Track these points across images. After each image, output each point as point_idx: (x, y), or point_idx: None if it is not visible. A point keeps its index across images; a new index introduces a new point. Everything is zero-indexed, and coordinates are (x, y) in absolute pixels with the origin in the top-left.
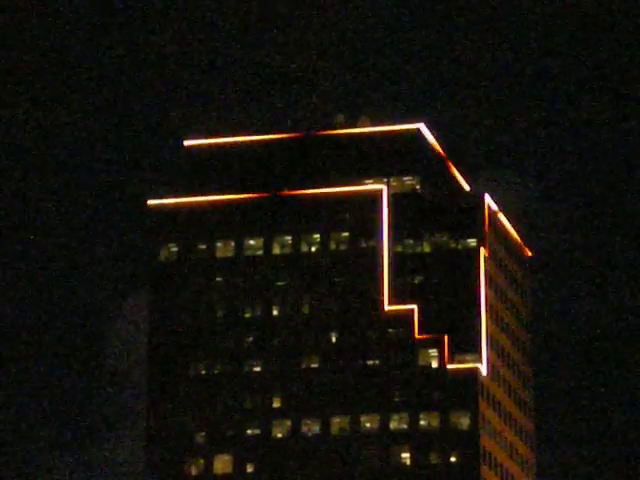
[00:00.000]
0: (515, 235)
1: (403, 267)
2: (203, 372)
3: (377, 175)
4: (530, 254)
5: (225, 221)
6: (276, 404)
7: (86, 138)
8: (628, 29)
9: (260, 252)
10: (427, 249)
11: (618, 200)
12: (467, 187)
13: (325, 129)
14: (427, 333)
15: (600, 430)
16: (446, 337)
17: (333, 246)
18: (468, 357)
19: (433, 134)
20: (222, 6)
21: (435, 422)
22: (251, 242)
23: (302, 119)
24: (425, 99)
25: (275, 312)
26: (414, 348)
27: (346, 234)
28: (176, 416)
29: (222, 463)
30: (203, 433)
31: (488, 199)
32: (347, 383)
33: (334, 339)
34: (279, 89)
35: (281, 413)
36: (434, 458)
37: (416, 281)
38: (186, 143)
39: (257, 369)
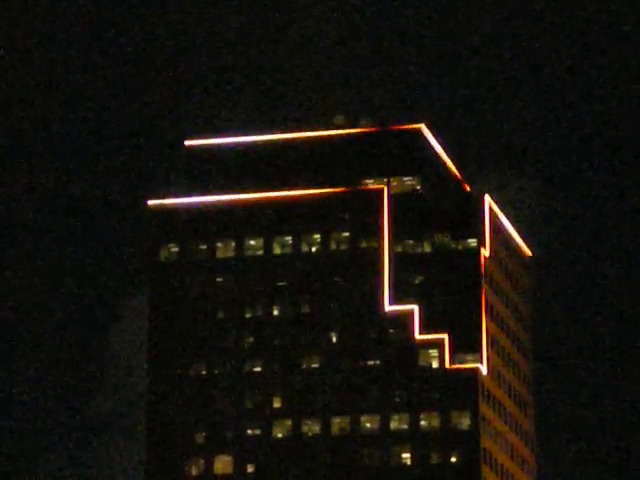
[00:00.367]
0: (516, 235)
1: (404, 267)
2: (203, 372)
3: (378, 175)
4: (531, 254)
5: (225, 221)
6: (276, 404)
7: (86, 138)
8: (628, 29)
9: (260, 252)
10: (428, 249)
11: (619, 201)
12: (468, 187)
13: (326, 129)
14: (428, 333)
15: (600, 430)
16: (447, 337)
17: (333, 246)
18: (468, 357)
19: (434, 134)
20: (223, 6)
21: (435, 422)
22: (251, 242)
23: (302, 119)
24: (426, 99)
25: (275, 312)
26: (415, 348)
27: (346, 234)
28: (176, 416)
29: (222, 463)
30: (203, 433)
31: (489, 199)
32: (347, 383)
33: (334, 339)
34: (279, 89)
35: (281, 413)
36: (434, 458)
37: (417, 281)
38: (187, 143)
39: (257, 369)
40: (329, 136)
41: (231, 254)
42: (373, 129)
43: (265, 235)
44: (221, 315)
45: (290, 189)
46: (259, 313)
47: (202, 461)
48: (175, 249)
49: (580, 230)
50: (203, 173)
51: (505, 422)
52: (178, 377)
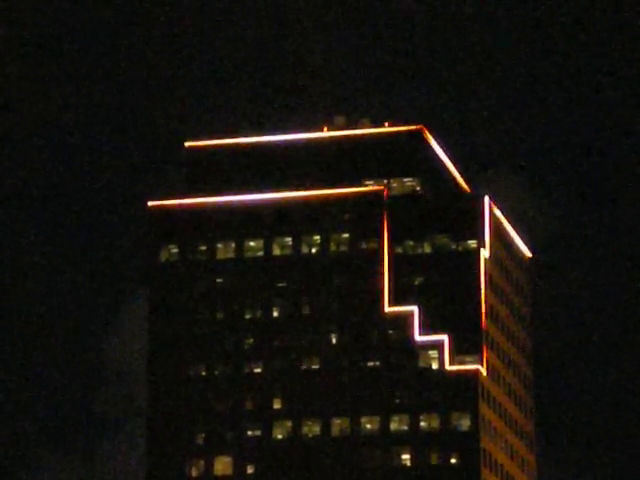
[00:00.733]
0: (515, 236)
1: (403, 268)
2: (203, 373)
3: (377, 176)
4: (530, 256)
5: (225, 222)
6: (276, 405)
7: (87, 139)
8: (628, 29)
9: (260, 253)
10: (427, 250)
11: (619, 201)
12: (467, 189)
13: (326, 130)
14: (427, 334)
15: (600, 431)
16: (446, 338)
17: (333, 247)
18: (468, 358)
19: (434, 136)
20: (223, 7)
21: (435, 423)
22: (251, 243)
23: (302, 120)
24: (426, 100)
25: (275, 313)
26: (414, 349)
27: (346, 235)
28: (176, 417)
29: (222, 464)
30: (203, 434)
31: (488, 201)
32: (347, 384)
33: (334, 340)
34: (280, 90)
35: (281, 414)
36: (434, 459)
37: (416, 282)
38: (187, 144)
39: (257, 370)
40: (329, 137)
41: (231, 255)
42: (373, 130)
43: (265, 236)
44: (221, 316)
45: (290, 190)
46: (259, 314)
47: (202, 462)
48: (175, 250)
49: (580, 231)
50: (203, 174)
51: (505, 423)
52: (178, 378)
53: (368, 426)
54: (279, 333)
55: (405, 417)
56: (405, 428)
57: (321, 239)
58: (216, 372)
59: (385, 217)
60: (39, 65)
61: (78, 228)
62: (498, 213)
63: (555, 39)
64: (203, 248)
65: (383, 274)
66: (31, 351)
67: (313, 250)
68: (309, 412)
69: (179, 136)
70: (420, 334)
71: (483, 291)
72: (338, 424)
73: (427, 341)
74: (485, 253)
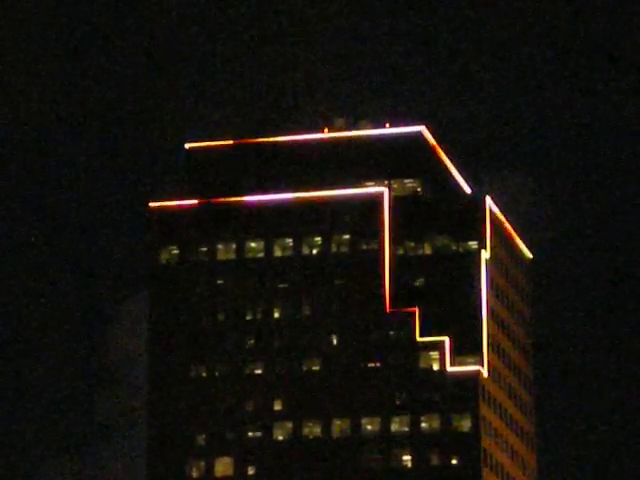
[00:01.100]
0: (516, 237)
1: (404, 269)
2: (204, 374)
3: (378, 177)
4: (531, 256)
5: (226, 223)
6: (277, 406)
7: (87, 140)
8: (628, 29)
9: (261, 254)
10: (428, 251)
11: (620, 202)
12: (468, 189)
13: (326, 131)
14: (428, 335)
15: (601, 432)
16: (447, 339)
17: (334, 248)
18: (469, 359)
19: (434, 136)
20: (223, 8)
21: (436, 424)
22: (252, 244)
23: (303, 122)
24: (426, 101)
25: (276, 314)
26: (415, 350)
27: (347, 236)
28: (177, 418)
29: (223, 465)
30: (204, 435)
31: (489, 201)
32: (348, 385)
33: (335, 341)
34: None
35: (282, 415)
36: (435, 460)
37: (417, 283)
38: (187, 145)
39: (258, 371)
40: (330, 138)
41: (232, 256)
42: (374, 131)
43: (266, 237)
44: (222, 317)
45: (291, 191)
46: (260, 315)
47: (203, 463)
48: (176, 251)
49: (580, 232)
50: (204, 175)
51: (506, 424)
52: (179, 379)
53: (369, 427)
54: (280, 334)
55: (406, 418)
56: (406, 429)
57: (322, 240)
58: (217, 373)
59: (386, 218)
60: (40, 65)
61: (78, 229)
62: (499, 214)
63: (557, 39)
64: (204, 249)
65: (384, 275)
66: (31, 352)
67: (314, 251)
68: (310, 413)
69: (179, 137)
70: (421, 335)
71: (484, 292)
72: (339, 425)
73: (428, 342)
74: (486, 254)
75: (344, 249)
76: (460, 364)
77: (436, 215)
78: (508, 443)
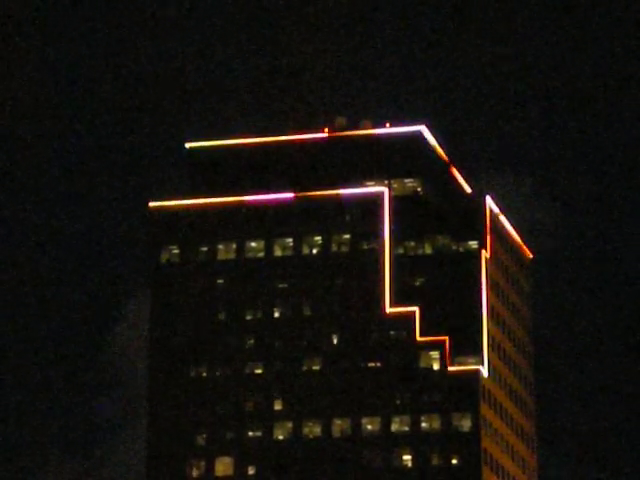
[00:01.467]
0: (516, 237)
1: (404, 269)
2: (204, 374)
3: (378, 177)
4: (531, 256)
5: (226, 223)
6: (277, 406)
7: (88, 140)
8: (628, 29)
9: (261, 254)
10: (428, 251)
11: (619, 202)
12: (468, 189)
13: (326, 131)
14: (428, 335)
15: (601, 432)
16: (447, 339)
17: (334, 248)
18: (469, 359)
19: (435, 136)
20: (223, 8)
21: (436, 424)
22: (252, 244)
23: (303, 121)
24: (427, 101)
25: (276, 314)
26: (415, 350)
27: (347, 236)
28: (177, 418)
29: (223, 465)
30: (204, 435)
31: (489, 201)
32: (348, 385)
33: (335, 341)
34: (280, 91)
35: (282, 415)
36: (435, 460)
37: (417, 283)
38: (188, 145)
39: (258, 371)
40: (330, 138)
41: (232, 256)
42: (374, 131)
43: (266, 237)
44: (222, 317)
45: (291, 191)
46: (260, 315)
47: (203, 463)
48: (176, 251)
49: (580, 232)
50: (204, 175)
51: (506, 423)
52: (179, 379)
53: (369, 427)
54: (280, 334)
55: (406, 418)
56: (406, 429)
57: (322, 240)
58: (217, 373)
59: (386, 218)
60: (40, 65)
61: (79, 229)
62: (499, 214)
63: (557, 39)
64: (204, 249)
65: (384, 275)
66: (32, 352)
67: (314, 251)
68: (310, 413)
69: (180, 137)
70: (421, 335)
71: (484, 292)
72: (339, 425)
73: (428, 342)
74: (486, 254)
75: (344, 249)
76: (460, 364)
77: (436, 215)
78: (508, 443)
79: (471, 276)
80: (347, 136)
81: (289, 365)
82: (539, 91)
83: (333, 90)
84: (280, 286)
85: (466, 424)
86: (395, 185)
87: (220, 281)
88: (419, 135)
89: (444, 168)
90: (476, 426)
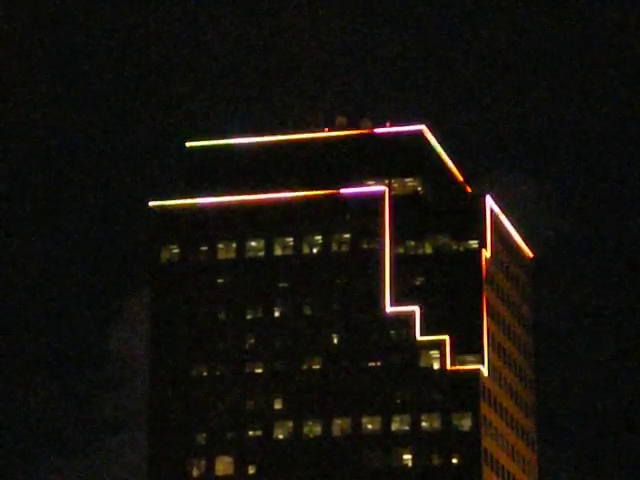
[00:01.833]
0: (517, 237)
1: (405, 269)
2: (204, 373)
3: (379, 176)
4: (532, 256)
5: (226, 222)
6: (277, 405)
7: (88, 139)
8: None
9: (261, 254)
10: (429, 251)
11: (621, 200)
12: (469, 189)
13: (327, 130)
14: (429, 335)
15: (601, 431)
16: (448, 338)
17: (334, 248)
18: (470, 358)
19: (435, 136)
20: (223, 8)
21: (437, 423)
22: (252, 243)
23: (303, 120)
24: (427, 100)
25: (277, 313)
26: (416, 350)
27: (347, 236)
28: (177, 417)
29: (223, 464)
30: (204, 434)
31: (490, 201)
32: (349, 384)
33: (335, 340)
34: (281, 90)
35: (283, 414)
36: (436, 459)
37: (418, 283)
38: (188, 144)
39: (259, 370)
40: (330, 137)
41: (232, 255)
42: (374, 130)
43: (266, 236)
44: (222, 316)
45: (291, 190)
46: (260, 314)
47: (203, 462)
48: (176, 250)
49: (581, 231)
50: (204, 174)
51: (506, 423)
52: (179, 378)
53: (369, 426)
54: (280, 333)
55: (406, 417)
56: (406, 428)
57: (322, 239)
58: (217, 372)
59: (386, 217)
60: (40, 65)
61: (79, 228)
62: (499, 213)
63: (558, 39)
64: (204, 248)
65: (384, 274)
66: (33, 351)
67: (314, 250)
68: (310, 412)
69: (180, 136)
70: (421, 334)
71: (484, 291)
72: (339, 424)
73: (428, 341)
74: (486, 253)
75: (344, 248)
76: (460, 363)
77: (436, 214)
78: (509, 442)
79: (471, 275)
80: (347, 136)
81: (289, 364)
82: (539, 91)
83: (333, 90)
84: (280, 285)
85: (466, 424)
86: (395, 184)
87: (220, 280)
88: (419, 135)
89: (444, 167)
90: (476, 426)
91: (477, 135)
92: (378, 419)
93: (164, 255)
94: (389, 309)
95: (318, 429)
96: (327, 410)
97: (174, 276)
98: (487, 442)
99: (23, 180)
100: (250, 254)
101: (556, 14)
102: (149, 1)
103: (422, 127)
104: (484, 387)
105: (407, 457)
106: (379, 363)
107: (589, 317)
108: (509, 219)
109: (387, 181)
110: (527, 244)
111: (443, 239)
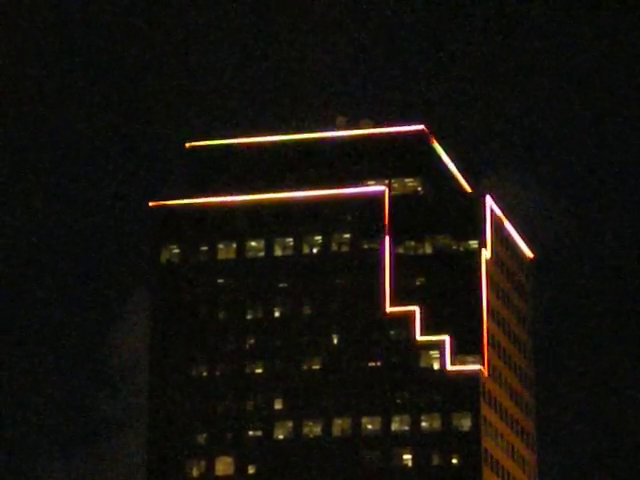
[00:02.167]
0: (517, 237)
1: (404, 269)
2: (205, 373)
3: (379, 176)
4: (532, 256)
5: (227, 223)
6: (278, 406)
7: (88, 139)
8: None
9: (262, 254)
10: (428, 251)
11: (621, 202)
12: (469, 189)
13: (327, 130)
14: (429, 335)
15: (601, 431)
16: (448, 339)
17: (335, 248)
18: (469, 359)
19: (435, 136)
20: (223, 8)
21: (437, 424)
22: (253, 243)
23: (304, 121)
24: (427, 100)
25: (277, 314)
26: (415, 350)
27: (347, 236)
28: (177, 417)
29: (223, 465)
30: (204, 434)
31: (490, 201)
32: (349, 385)
33: (336, 341)
34: (281, 91)
35: (283, 415)
36: (436, 460)
37: (417, 283)
38: (188, 144)
39: (259, 370)
40: (330, 137)
41: (232, 255)
42: (374, 130)
43: (266, 236)
44: (222, 316)
45: (291, 190)
46: (260, 314)
47: (203, 462)
48: (176, 250)
49: (581, 231)
50: (205, 174)
51: (506, 423)
52: (179, 378)
53: (369, 426)
54: (280, 333)
55: (406, 417)
56: (406, 428)
57: (322, 239)
58: (217, 372)
59: (386, 217)
60: (41, 66)
61: (79, 228)
62: (499, 213)
63: (558, 38)
64: (204, 248)
65: (384, 274)
66: (33, 351)
67: (314, 250)
68: (310, 412)
69: (180, 136)
70: (421, 334)
71: (484, 291)
72: (339, 424)
73: (428, 341)
74: (486, 253)
75: (344, 248)
76: (460, 363)
77: (436, 214)
78: (508, 442)
79: (471, 276)
80: (348, 135)
81: (289, 364)
82: (539, 91)
83: (333, 90)
84: (280, 285)
85: (466, 424)
86: (395, 184)
87: (220, 281)
88: (419, 135)
89: (444, 168)
90: (476, 426)
91: (477, 135)
92: (378, 419)
93: (164, 255)
94: (389, 309)
95: (318, 429)
96: (327, 410)
97: (174, 276)
98: (487, 442)
99: (23, 180)
100: (250, 254)
101: (556, 14)
102: (150, 1)
103: (422, 127)
104: (484, 387)
105: (407, 457)
106: (379, 363)
107: (589, 317)
108: (509, 219)
109: (387, 181)
110: (527, 244)
111: (443, 239)
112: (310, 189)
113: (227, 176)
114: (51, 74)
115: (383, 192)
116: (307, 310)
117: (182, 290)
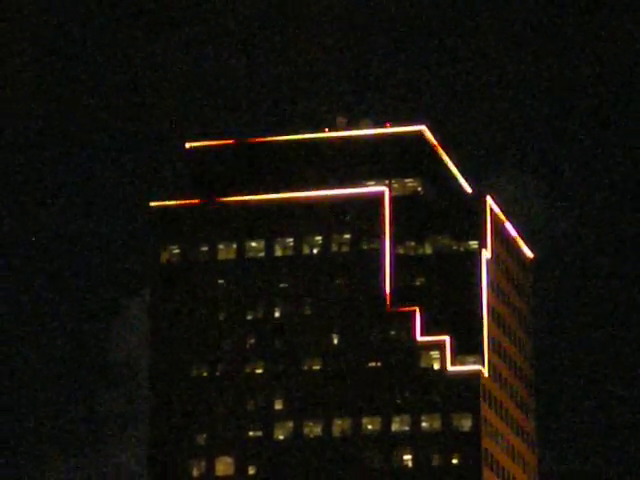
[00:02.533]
0: (517, 237)
1: (405, 269)
2: (205, 374)
3: (379, 177)
4: (532, 256)
5: (227, 223)
6: (278, 406)
7: (88, 139)
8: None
9: (262, 254)
10: (429, 251)
11: (621, 202)
12: (469, 189)
13: (327, 131)
14: (429, 335)
15: (601, 431)
16: (448, 339)
17: (335, 248)
18: (470, 359)
19: (435, 136)
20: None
21: (437, 424)
22: (253, 244)
23: (303, 121)
24: (427, 101)
25: (277, 314)
26: (416, 350)
27: (348, 236)
28: (178, 417)
29: (223, 465)
30: (204, 435)
31: (490, 201)
32: (349, 385)
33: (336, 341)
34: (281, 91)
35: (283, 415)
36: (436, 460)
37: (418, 283)
38: (188, 145)
39: (259, 371)
40: (330, 138)
41: (232, 256)
42: (374, 131)
43: (266, 237)
44: (222, 317)
45: (291, 191)
46: (260, 315)
47: (203, 462)
48: (177, 251)
49: (581, 232)
50: (205, 175)
51: (506, 423)
52: (179, 378)
53: (369, 427)
54: (280, 334)
55: (406, 418)
56: (406, 429)
57: (323, 240)
58: (217, 372)
59: (387, 218)
60: (41, 66)
61: (80, 228)
62: (500, 214)
63: (558, 38)
64: (204, 249)
65: (384, 275)
66: (33, 351)
67: (314, 251)
68: (310, 413)
69: (180, 137)
70: (421, 335)
71: (484, 291)
72: (339, 425)
73: (428, 342)
74: (486, 254)
75: (345, 249)
76: (461, 364)
77: (437, 215)
78: (509, 443)
79: (471, 276)
80: (347, 136)
81: (289, 365)
82: (539, 91)
83: (333, 90)
84: (281, 286)
85: (466, 424)
86: (395, 185)
87: (220, 281)
88: (419, 135)
89: (445, 168)
90: (476, 426)
91: (477, 135)
92: (378, 419)
93: (164, 255)
94: (389, 309)
95: (318, 429)
96: (327, 410)
97: (174, 276)
98: (487, 442)
99: (24, 180)
100: (250, 254)
101: (556, 14)
102: (150, 2)
103: (422, 127)
104: (484, 387)
105: (407, 457)
106: (379, 364)
107: (589, 317)
108: (509, 219)
109: (387, 182)
110: (527, 244)
111: (443, 240)
112: (310, 189)
113: (227, 176)
114: (51, 74)
115: (383, 192)
116: (307, 310)
117: (182, 290)
